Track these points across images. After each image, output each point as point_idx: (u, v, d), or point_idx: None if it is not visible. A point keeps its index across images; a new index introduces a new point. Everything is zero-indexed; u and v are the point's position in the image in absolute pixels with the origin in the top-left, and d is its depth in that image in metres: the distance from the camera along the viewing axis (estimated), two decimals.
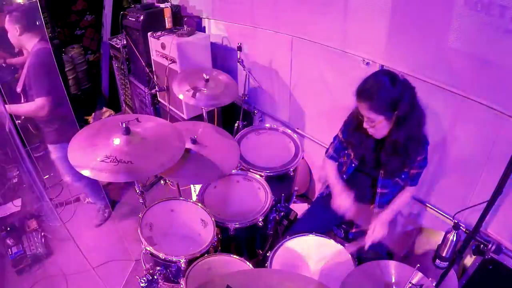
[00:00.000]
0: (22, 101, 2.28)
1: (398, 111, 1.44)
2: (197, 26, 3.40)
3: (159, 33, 3.05)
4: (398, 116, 1.45)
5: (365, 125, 1.54)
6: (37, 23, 2.25)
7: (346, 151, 1.86)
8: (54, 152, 2.49)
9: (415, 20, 1.77)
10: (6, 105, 2.13)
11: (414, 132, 1.52)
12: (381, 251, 1.76)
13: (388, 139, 1.56)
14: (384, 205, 1.78)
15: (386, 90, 1.42)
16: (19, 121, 2.36)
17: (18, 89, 2.27)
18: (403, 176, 1.68)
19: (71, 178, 2.65)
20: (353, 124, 1.70)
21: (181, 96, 2.25)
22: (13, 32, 2.17)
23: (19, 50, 2.30)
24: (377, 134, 1.56)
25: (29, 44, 2.22)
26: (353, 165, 1.80)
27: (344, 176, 1.86)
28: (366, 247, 1.64)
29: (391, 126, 1.51)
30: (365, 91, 1.47)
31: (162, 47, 3.00)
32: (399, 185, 1.74)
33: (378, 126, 1.50)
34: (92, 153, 1.51)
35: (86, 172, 1.44)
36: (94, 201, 2.93)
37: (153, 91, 3.26)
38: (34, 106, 2.19)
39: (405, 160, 1.59)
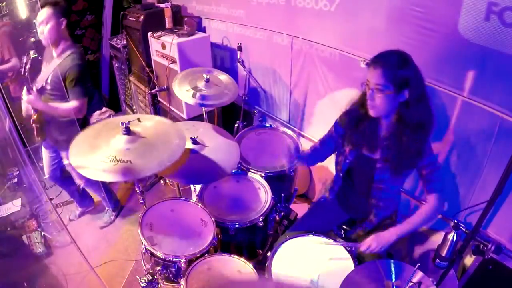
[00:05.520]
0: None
1: (409, 91, 1.41)
2: (197, 26, 3.40)
3: (159, 33, 3.06)
4: (407, 98, 1.43)
5: (368, 96, 1.48)
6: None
7: (342, 148, 1.78)
8: (66, 158, 2.48)
9: (415, 20, 1.77)
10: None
11: (419, 125, 1.45)
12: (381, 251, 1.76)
13: (392, 120, 1.52)
14: (380, 201, 1.69)
15: (404, 62, 1.41)
16: (20, 122, 2.36)
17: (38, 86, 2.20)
18: (404, 172, 1.57)
19: (84, 182, 2.70)
20: (352, 112, 1.64)
21: (181, 96, 2.25)
22: (56, 25, 2.12)
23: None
24: (376, 107, 1.49)
25: (65, 40, 2.22)
26: (347, 161, 1.73)
27: (341, 174, 1.81)
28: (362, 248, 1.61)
29: (397, 107, 1.46)
30: (383, 57, 1.44)
31: (162, 47, 3.00)
32: (398, 186, 1.66)
33: (382, 97, 1.43)
34: (93, 153, 1.51)
35: (86, 172, 1.44)
36: (104, 204, 2.94)
37: (153, 91, 3.26)
38: (73, 107, 2.25)
39: (407, 151, 1.48)
